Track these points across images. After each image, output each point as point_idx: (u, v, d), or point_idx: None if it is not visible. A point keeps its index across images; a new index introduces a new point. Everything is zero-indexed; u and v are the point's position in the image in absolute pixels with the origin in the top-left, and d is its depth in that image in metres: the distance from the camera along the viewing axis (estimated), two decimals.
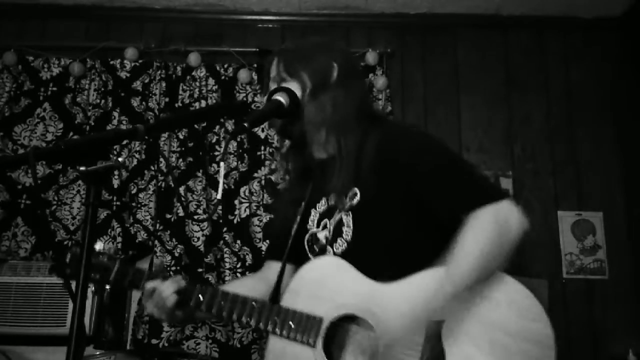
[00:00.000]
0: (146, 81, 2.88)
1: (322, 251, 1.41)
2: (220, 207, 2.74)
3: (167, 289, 1.35)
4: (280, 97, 1.36)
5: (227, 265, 2.65)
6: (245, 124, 1.27)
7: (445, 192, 1.28)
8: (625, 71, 3.04)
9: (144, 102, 2.84)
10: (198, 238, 2.68)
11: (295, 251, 1.45)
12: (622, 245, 2.86)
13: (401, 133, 1.38)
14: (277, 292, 1.40)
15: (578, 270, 2.83)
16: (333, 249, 1.37)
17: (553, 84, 3.05)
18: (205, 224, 2.70)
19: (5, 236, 2.66)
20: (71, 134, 2.81)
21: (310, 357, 1.26)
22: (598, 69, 3.06)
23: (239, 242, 2.70)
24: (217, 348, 2.55)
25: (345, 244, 1.35)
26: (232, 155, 2.79)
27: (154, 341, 2.54)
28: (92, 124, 2.79)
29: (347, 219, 1.35)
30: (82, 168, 0.99)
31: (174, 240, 2.67)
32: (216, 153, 2.81)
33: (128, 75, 2.87)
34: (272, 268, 1.55)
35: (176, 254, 2.65)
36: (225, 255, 2.67)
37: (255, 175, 2.79)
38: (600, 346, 2.69)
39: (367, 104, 1.48)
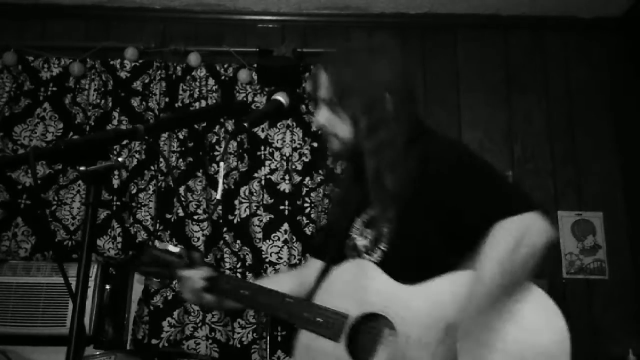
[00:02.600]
0: (146, 81, 2.87)
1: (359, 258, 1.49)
2: (220, 207, 2.74)
3: (197, 276, 1.57)
4: (281, 97, 1.37)
5: (227, 265, 2.65)
6: (245, 124, 1.30)
7: (474, 205, 1.30)
8: (625, 71, 3.04)
9: (144, 102, 2.84)
10: (198, 238, 2.68)
11: (338, 256, 1.52)
12: (622, 245, 2.86)
13: (438, 151, 1.40)
14: (315, 290, 1.49)
15: (578, 270, 2.83)
16: (370, 257, 1.43)
17: (553, 84, 3.05)
18: (205, 224, 2.69)
19: (5, 236, 2.66)
20: (71, 134, 2.81)
21: (334, 351, 1.33)
22: (598, 69, 3.06)
23: (239, 242, 2.70)
24: (217, 348, 2.55)
25: (382, 254, 1.41)
26: (232, 155, 2.79)
27: (154, 341, 2.54)
28: (92, 124, 2.79)
29: (385, 230, 1.41)
30: (82, 168, 0.99)
31: (174, 240, 2.67)
32: (216, 153, 2.81)
33: (128, 75, 2.87)
34: (313, 266, 1.64)
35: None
36: (225, 255, 2.67)
37: (255, 175, 2.79)
38: (600, 346, 2.69)
39: (415, 124, 1.47)
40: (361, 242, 1.48)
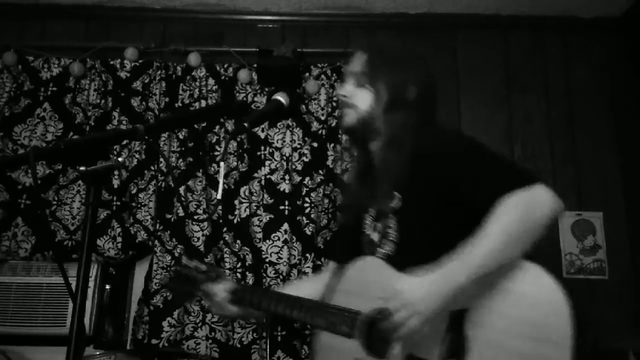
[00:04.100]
0: (146, 81, 2.87)
1: (373, 253, 1.52)
2: (220, 207, 2.74)
3: (221, 289, 1.66)
4: (281, 97, 1.38)
5: (227, 265, 2.65)
6: (245, 124, 1.32)
7: (478, 184, 1.35)
8: (625, 71, 3.04)
9: (144, 102, 2.84)
10: (198, 238, 2.68)
11: (354, 254, 1.55)
12: (622, 245, 2.85)
13: (438, 139, 1.47)
14: (329, 291, 1.55)
15: (578, 270, 2.83)
16: (383, 250, 1.48)
17: (553, 84, 3.05)
18: (205, 224, 2.69)
19: (5, 236, 2.65)
20: (71, 134, 2.81)
21: (350, 347, 1.39)
22: (598, 68, 3.06)
23: (239, 242, 2.70)
24: (217, 348, 2.55)
25: (393, 245, 1.46)
26: (232, 155, 2.79)
27: (154, 341, 2.54)
28: (92, 124, 2.79)
29: (392, 222, 1.46)
30: (82, 168, 0.99)
31: (174, 240, 2.67)
32: (216, 153, 2.81)
33: (128, 75, 2.87)
34: (329, 268, 1.72)
35: (176, 254, 2.65)
36: (225, 255, 2.67)
37: (255, 175, 2.79)
38: (600, 346, 2.69)
39: (430, 123, 1.53)
40: (373, 235, 1.53)
